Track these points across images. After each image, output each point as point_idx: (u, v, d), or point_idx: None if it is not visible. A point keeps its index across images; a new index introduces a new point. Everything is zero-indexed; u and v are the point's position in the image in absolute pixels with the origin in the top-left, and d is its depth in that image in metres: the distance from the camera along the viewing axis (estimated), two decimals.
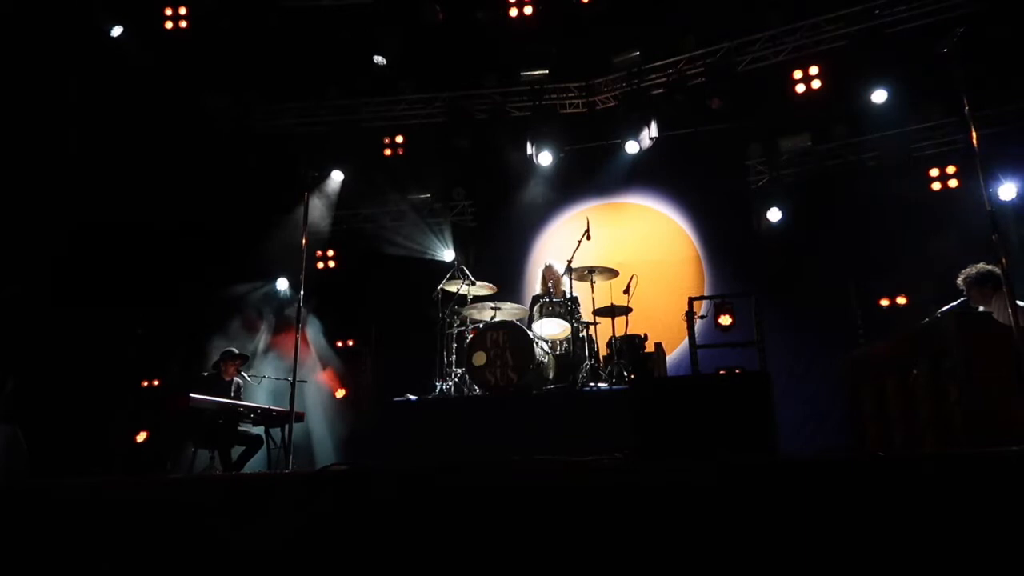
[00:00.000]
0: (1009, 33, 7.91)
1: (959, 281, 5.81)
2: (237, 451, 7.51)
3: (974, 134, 4.43)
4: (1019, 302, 4.34)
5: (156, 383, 10.43)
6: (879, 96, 8.97)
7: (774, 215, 9.75)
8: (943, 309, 5.74)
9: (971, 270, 5.76)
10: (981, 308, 5.60)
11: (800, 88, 9.42)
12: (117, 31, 9.69)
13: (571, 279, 7.37)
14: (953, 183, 9.08)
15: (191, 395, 6.99)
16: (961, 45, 4.61)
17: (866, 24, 9.14)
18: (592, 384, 6.84)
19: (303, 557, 3.23)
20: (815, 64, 9.38)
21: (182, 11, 9.90)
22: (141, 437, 9.77)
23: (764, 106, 9.89)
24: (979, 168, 4.57)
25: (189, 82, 9.98)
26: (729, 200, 10.18)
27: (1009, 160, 8.38)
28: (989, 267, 5.63)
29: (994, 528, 2.70)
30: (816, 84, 9.34)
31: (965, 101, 4.47)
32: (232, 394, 7.83)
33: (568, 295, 7.30)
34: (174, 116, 9.90)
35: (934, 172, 9.18)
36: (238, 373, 7.96)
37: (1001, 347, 4.57)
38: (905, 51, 8.73)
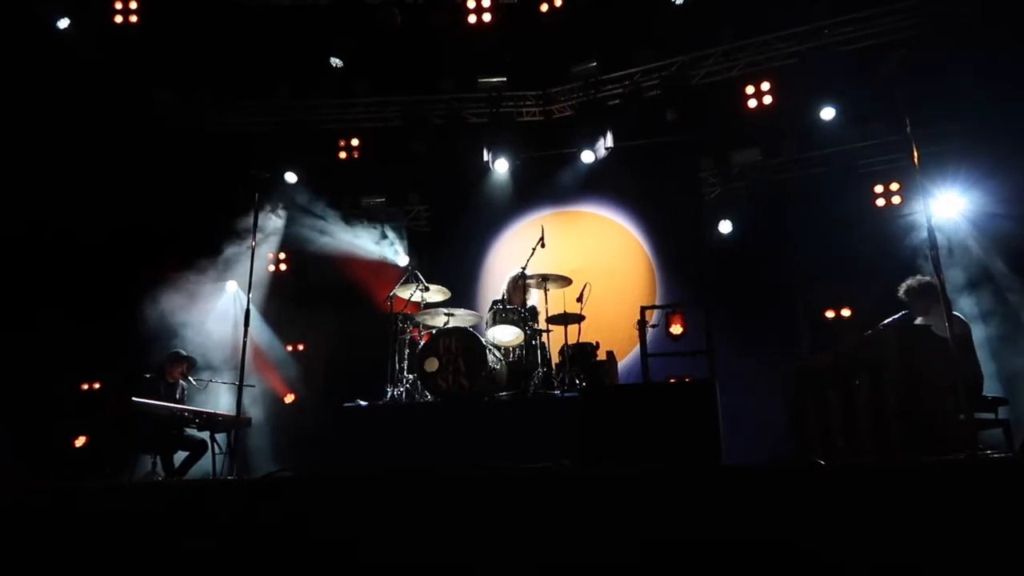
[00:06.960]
0: (950, 54, 8.17)
1: (900, 293, 5.98)
2: (180, 457, 7.33)
3: (916, 152, 4.55)
4: (956, 313, 4.46)
5: (97, 385, 10.12)
6: (827, 113, 9.22)
7: (725, 227, 9.91)
8: (884, 322, 5.90)
9: (912, 282, 5.93)
10: (921, 319, 5.77)
11: (752, 103, 9.64)
12: (64, 23, 9.44)
13: (524, 284, 7.39)
14: (896, 199, 9.35)
15: (133, 398, 6.80)
16: (902, 66, 4.75)
17: (815, 43, 9.41)
18: (544, 391, 6.85)
19: (247, 563, 3.16)
20: (767, 80, 9.60)
21: (132, 5, 9.68)
22: (80, 442, 9.47)
23: (717, 119, 10.06)
24: (921, 186, 4.70)
25: (138, 78, 9.74)
26: (682, 211, 10.29)
27: (949, 178, 8.65)
28: (928, 279, 5.80)
29: (932, 535, 2.77)
30: (768, 99, 9.57)
31: (907, 120, 4.60)
32: (177, 397, 7.63)
33: (526, 305, 7.32)
34: (121, 112, 9.65)
35: (878, 188, 9.44)
36: (184, 376, 7.76)
37: (939, 358, 4.71)
38: (852, 70, 8.98)
